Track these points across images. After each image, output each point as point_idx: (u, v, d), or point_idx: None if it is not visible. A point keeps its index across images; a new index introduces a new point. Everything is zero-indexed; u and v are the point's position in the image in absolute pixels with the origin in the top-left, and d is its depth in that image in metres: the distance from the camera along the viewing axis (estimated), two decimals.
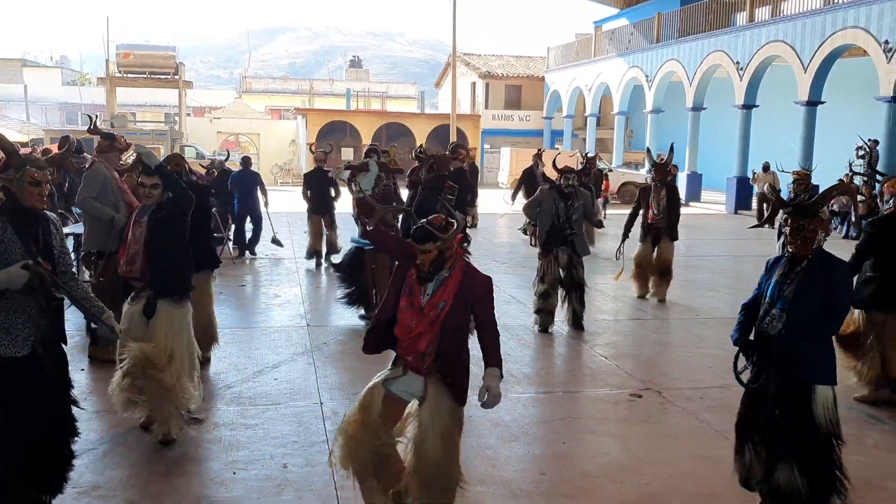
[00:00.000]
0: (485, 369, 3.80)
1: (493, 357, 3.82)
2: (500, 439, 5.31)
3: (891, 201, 6.56)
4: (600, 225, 9.51)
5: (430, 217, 3.79)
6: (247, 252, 13.17)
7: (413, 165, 10.34)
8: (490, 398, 3.72)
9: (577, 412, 5.93)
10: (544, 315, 8.36)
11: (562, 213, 8.22)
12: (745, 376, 4.11)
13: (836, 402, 3.97)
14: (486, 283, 3.83)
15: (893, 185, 6.80)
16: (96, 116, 8.01)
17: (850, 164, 14.11)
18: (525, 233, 15.68)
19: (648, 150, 13.01)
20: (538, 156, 17.27)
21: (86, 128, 7.54)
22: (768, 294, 3.99)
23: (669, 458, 5.04)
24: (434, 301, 3.71)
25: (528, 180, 15.65)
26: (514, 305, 9.71)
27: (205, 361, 6.47)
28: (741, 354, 4.08)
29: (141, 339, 4.88)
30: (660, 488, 4.57)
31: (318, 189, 12.34)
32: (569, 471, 4.82)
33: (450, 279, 3.74)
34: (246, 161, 13.71)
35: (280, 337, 7.98)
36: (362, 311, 8.65)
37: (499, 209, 18.42)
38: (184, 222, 5.12)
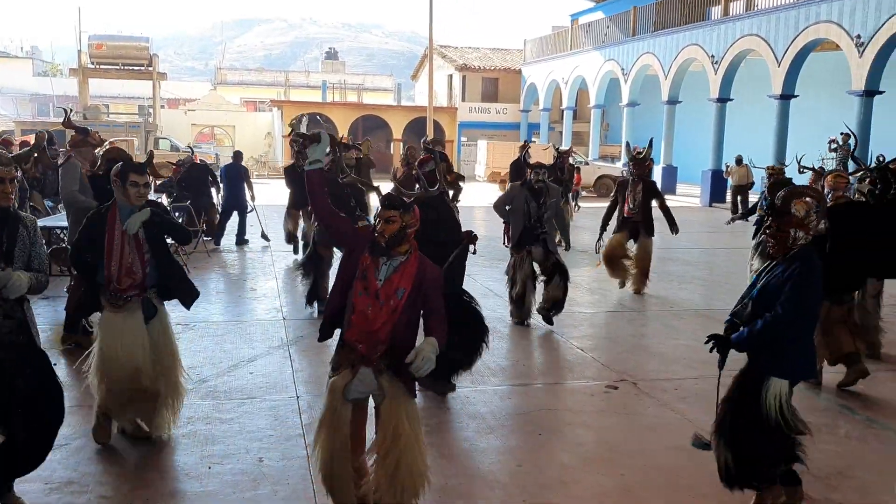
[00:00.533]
0: (424, 338, 3.66)
1: (437, 332, 3.66)
2: (476, 431, 5.31)
3: (830, 194, 6.68)
4: (568, 247, 9.22)
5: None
6: (237, 243, 13.61)
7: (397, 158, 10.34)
8: (418, 360, 3.49)
9: (554, 404, 5.95)
10: (523, 311, 8.31)
11: (533, 213, 8.06)
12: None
13: (790, 396, 3.93)
14: (439, 273, 3.83)
15: (834, 178, 6.94)
16: (70, 110, 7.93)
17: (823, 158, 14.28)
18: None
19: (627, 145, 13.04)
20: (525, 148, 17.20)
21: (59, 119, 7.43)
22: (753, 283, 4.05)
23: (645, 449, 5.07)
24: (391, 287, 3.63)
25: (517, 174, 15.58)
26: (490, 299, 9.71)
27: None
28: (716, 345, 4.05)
29: (137, 346, 4.69)
30: (636, 479, 4.60)
31: (299, 184, 12.29)
32: (546, 462, 4.84)
33: (407, 265, 3.68)
34: (237, 155, 14.27)
35: (256, 330, 7.93)
36: (316, 307, 8.58)
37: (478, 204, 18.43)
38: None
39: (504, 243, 8.31)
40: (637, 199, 9.93)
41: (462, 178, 7.48)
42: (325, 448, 3.73)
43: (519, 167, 15.89)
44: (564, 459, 4.90)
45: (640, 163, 9.99)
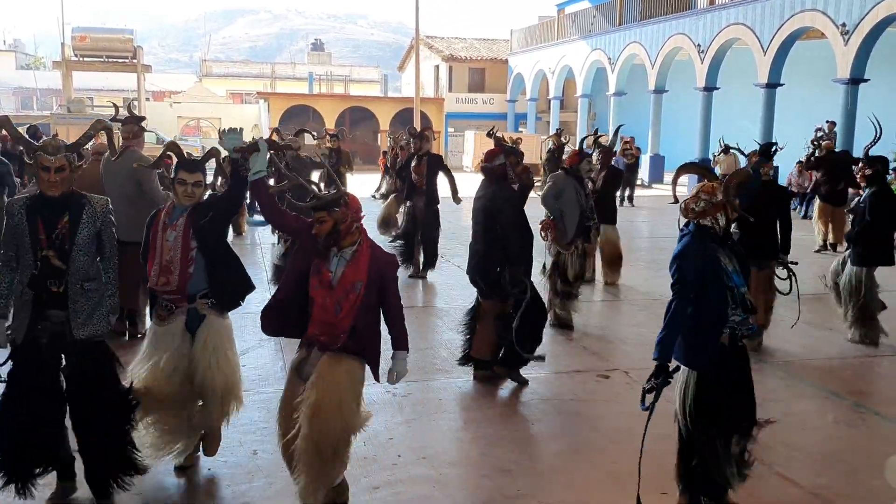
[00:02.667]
0: (393, 352, 3.91)
1: (400, 341, 3.92)
2: (469, 421, 5.35)
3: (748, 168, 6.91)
4: None
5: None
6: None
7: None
8: (396, 379, 3.94)
9: (546, 393, 5.98)
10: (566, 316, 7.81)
11: (583, 203, 7.57)
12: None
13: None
14: (394, 262, 3.89)
15: (756, 156, 7.43)
16: (130, 102, 7.92)
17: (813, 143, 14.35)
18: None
19: (616, 132, 12.77)
20: (559, 135, 16.65)
21: (43, 112, 7.35)
22: (734, 280, 3.84)
23: (636, 438, 5.11)
24: (348, 282, 3.69)
25: (555, 164, 14.95)
26: None
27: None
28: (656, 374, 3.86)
29: (182, 361, 4.26)
30: (629, 467, 4.63)
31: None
32: (539, 451, 4.88)
33: (360, 256, 3.72)
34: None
35: (247, 322, 7.89)
36: None
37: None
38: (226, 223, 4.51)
39: (543, 238, 7.59)
40: (597, 187, 9.51)
41: (530, 172, 6.53)
42: (280, 425, 3.84)
43: (556, 157, 15.28)
44: (557, 448, 4.94)
45: (608, 152, 9.95)
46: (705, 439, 3.94)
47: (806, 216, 17.56)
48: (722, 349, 3.85)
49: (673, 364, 3.91)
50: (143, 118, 7.27)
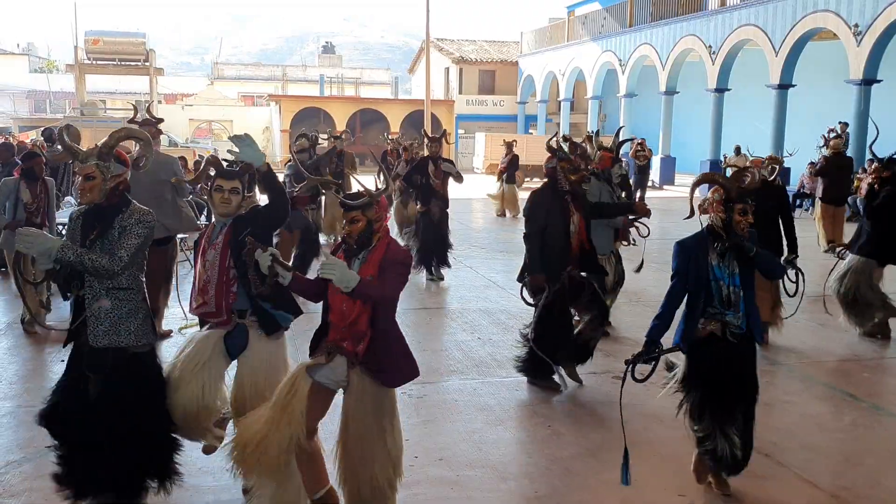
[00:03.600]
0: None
1: (367, 285, 3.52)
2: (485, 423, 5.35)
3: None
4: None
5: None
6: None
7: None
8: (326, 268, 3.45)
9: (561, 395, 5.97)
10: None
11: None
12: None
13: None
14: (405, 257, 3.75)
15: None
16: (149, 103, 8.04)
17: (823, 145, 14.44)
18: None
19: (618, 133, 12.70)
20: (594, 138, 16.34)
21: (56, 116, 7.38)
22: (719, 277, 4.09)
23: (653, 439, 5.11)
24: (364, 276, 3.59)
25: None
26: (493, 290, 9.75)
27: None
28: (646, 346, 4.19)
29: (219, 377, 4.01)
30: (646, 469, 4.63)
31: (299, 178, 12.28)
32: (555, 454, 4.87)
33: (375, 252, 3.66)
34: None
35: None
36: None
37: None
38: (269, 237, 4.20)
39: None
40: None
41: (581, 181, 6.35)
42: (260, 417, 3.66)
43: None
44: (573, 451, 4.93)
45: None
46: (702, 427, 4.18)
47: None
48: (712, 339, 4.12)
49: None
50: (161, 120, 7.31)
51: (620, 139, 9.66)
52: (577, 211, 5.86)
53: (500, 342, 7.37)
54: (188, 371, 3.90)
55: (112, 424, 3.71)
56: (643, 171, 19.79)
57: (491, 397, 5.86)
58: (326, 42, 66.99)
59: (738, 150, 20.42)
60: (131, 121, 6.97)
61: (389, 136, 20.33)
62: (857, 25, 18.53)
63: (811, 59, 22.23)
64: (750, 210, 4.03)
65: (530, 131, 36.53)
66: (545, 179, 6.03)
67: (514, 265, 11.44)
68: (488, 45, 43.23)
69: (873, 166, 7.95)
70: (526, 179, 27.92)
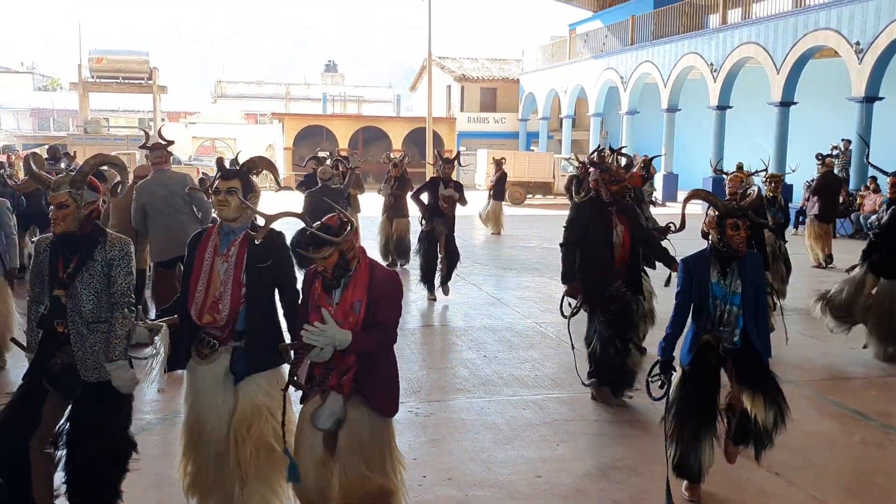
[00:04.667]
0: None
1: (363, 339, 3.42)
2: (493, 442, 5.32)
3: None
4: None
5: (322, 220, 3.49)
6: None
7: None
8: (312, 336, 3.33)
9: (569, 414, 5.95)
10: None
11: (646, 226, 7.18)
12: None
13: None
14: (395, 279, 3.60)
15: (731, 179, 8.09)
16: (163, 122, 8.03)
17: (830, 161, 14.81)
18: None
19: (616, 152, 12.61)
20: (648, 163, 15.51)
21: (60, 133, 7.37)
22: (715, 294, 4.24)
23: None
24: (346, 303, 3.48)
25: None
26: (497, 307, 9.74)
27: None
28: (659, 368, 4.36)
29: (217, 412, 3.78)
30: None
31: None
32: (565, 473, 4.84)
33: (358, 276, 3.51)
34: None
35: None
36: None
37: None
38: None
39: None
40: None
41: (624, 192, 6.22)
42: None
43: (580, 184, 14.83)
44: (583, 470, 4.90)
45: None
46: (677, 425, 4.34)
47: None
48: (707, 347, 4.28)
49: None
50: (172, 142, 7.28)
51: (646, 157, 9.67)
52: (622, 223, 5.83)
53: (506, 360, 7.35)
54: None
55: (81, 445, 3.66)
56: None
57: (498, 416, 5.84)
58: (329, 60, 67.30)
59: (739, 167, 20.49)
60: (143, 146, 6.99)
61: (391, 155, 20.38)
62: (858, 43, 18.61)
63: (813, 77, 22.30)
64: (743, 226, 4.12)
65: (532, 148, 36.61)
66: (567, 193, 6.05)
67: (517, 282, 11.47)
68: (490, 62, 43.42)
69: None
70: (528, 196, 27.97)
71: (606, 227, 5.78)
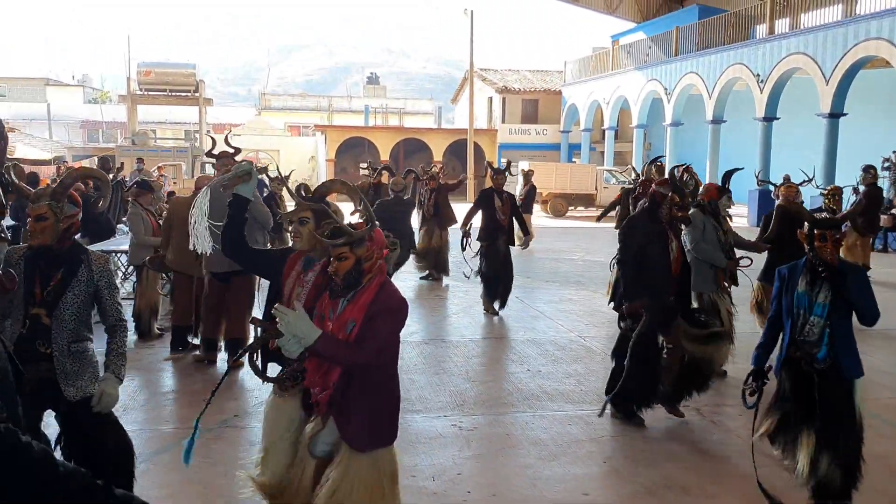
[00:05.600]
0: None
1: (332, 343, 3.08)
2: (539, 458, 5.23)
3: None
4: None
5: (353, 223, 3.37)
6: None
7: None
8: (279, 315, 2.98)
9: (616, 430, 5.83)
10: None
11: (723, 240, 6.96)
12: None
13: None
14: (398, 309, 3.22)
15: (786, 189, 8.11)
16: (208, 133, 8.06)
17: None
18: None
19: (651, 162, 12.32)
20: (689, 170, 14.85)
21: (109, 145, 7.39)
22: (800, 304, 4.22)
23: (714, 478, 4.95)
24: (342, 321, 3.18)
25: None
26: (541, 321, 9.65)
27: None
28: (754, 377, 4.40)
29: (291, 457, 3.54)
30: None
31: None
32: (613, 492, 4.74)
33: (363, 293, 3.19)
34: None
35: None
36: None
37: None
38: None
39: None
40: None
41: (687, 220, 6.24)
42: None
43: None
44: (631, 489, 4.79)
45: (646, 183, 9.82)
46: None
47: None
48: (796, 362, 4.29)
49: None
50: (239, 150, 7.10)
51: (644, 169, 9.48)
52: (675, 238, 5.80)
53: (550, 374, 7.25)
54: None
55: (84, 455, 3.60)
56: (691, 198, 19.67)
57: (543, 431, 5.75)
58: (371, 73, 67.82)
59: (786, 179, 20.12)
60: (209, 153, 6.99)
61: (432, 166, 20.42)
62: None
63: (863, 88, 21.82)
64: (830, 237, 4.09)
65: (574, 160, 36.41)
66: (644, 203, 5.93)
67: (560, 295, 11.35)
68: (531, 74, 43.34)
69: None
70: (570, 209, 27.79)
71: (663, 241, 5.69)
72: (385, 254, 3.32)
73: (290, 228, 3.70)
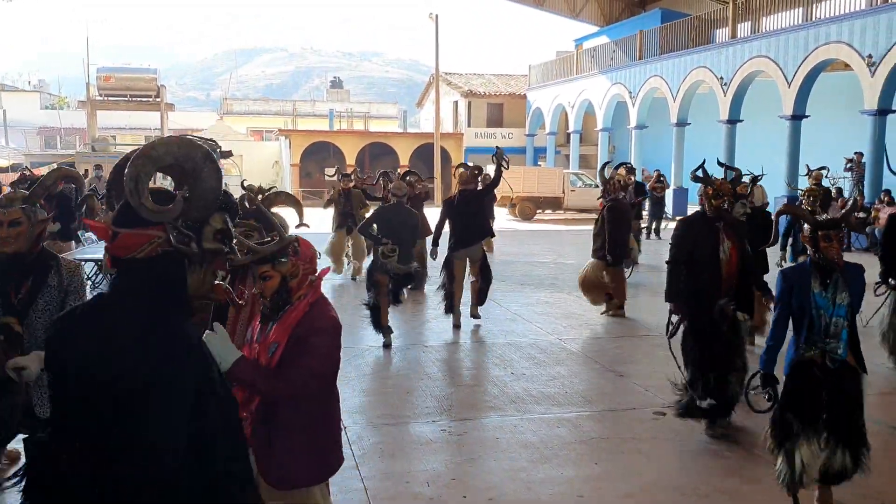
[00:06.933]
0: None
1: (249, 368, 2.72)
2: (530, 461, 5.21)
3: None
4: None
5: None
6: None
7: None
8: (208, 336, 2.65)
9: (605, 432, 5.84)
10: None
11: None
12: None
13: None
14: (327, 322, 2.97)
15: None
16: (219, 148, 7.84)
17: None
18: None
19: (617, 167, 12.40)
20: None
21: (67, 152, 7.20)
22: (819, 306, 4.18)
23: (703, 475, 4.97)
24: (266, 343, 2.96)
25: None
26: (519, 324, 9.63)
27: None
28: (763, 382, 4.37)
29: None
30: None
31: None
32: (608, 493, 4.73)
33: (290, 313, 2.96)
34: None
35: None
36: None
37: None
38: None
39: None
40: (598, 225, 10.06)
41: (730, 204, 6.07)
42: None
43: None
44: (626, 489, 4.79)
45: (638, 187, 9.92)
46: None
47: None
48: (811, 363, 4.24)
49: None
50: (229, 153, 7.02)
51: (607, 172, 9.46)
52: (729, 239, 5.65)
53: (534, 377, 7.24)
54: None
55: None
56: (659, 202, 19.96)
57: (532, 434, 5.73)
58: (334, 77, 67.56)
59: (754, 180, 20.39)
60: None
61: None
62: (870, 56, 18.54)
63: (824, 90, 22.24)
64: (835, 237, 4.13)
65: (539, 163, 36.58)
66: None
67: (536, 298, 11.35)
68: (496, 78, 43.48)
69: None
70: (538, 212, 27.90)
71: (713, 244, 5.60)
72: (315, 269, 3.07)
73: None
